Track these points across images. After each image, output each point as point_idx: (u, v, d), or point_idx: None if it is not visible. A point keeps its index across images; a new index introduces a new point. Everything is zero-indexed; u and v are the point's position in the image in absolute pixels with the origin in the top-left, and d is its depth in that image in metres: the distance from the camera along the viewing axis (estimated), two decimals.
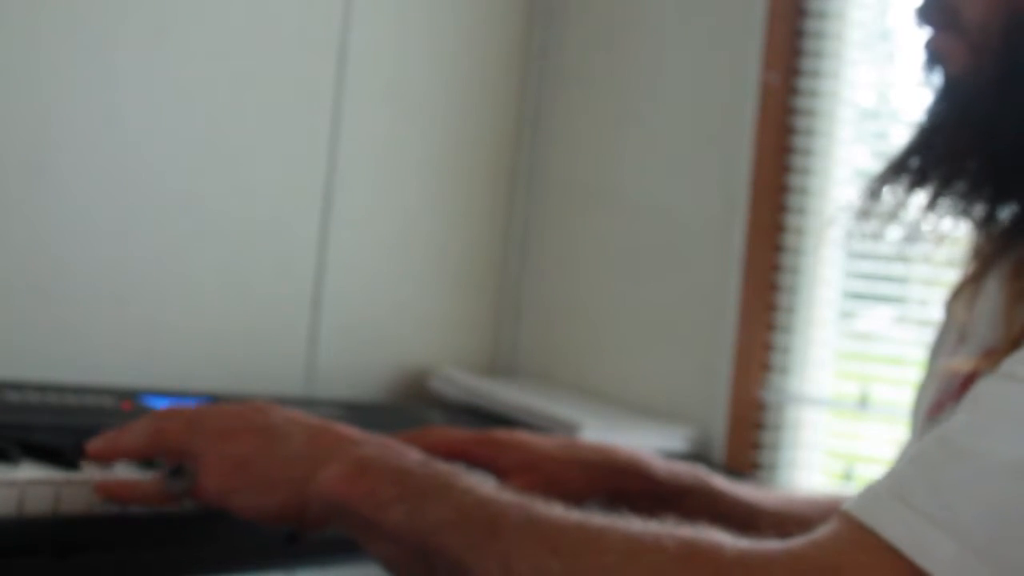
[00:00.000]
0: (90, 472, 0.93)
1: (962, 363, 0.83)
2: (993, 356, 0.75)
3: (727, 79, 1.84)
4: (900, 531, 0.67)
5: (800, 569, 0.69)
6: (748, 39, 1.81)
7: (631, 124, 1.91)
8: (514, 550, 0.75)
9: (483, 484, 0.81)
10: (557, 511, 0.77)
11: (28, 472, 0.90)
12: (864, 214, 0.88)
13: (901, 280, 1.76)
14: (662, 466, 1.10)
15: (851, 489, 1.73)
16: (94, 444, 0.93)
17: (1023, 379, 0.69)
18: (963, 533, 0.65)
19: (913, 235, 0.87)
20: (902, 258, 1.69)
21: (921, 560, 0.65)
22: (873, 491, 0.70)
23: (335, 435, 0.87)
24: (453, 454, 1.10)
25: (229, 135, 1.52)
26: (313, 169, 1.64)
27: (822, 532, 0.70)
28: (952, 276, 0.93)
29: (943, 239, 0.87)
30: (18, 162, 1.31)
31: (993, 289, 0.85)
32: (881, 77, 1.83)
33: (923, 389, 0.95)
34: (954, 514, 0.66)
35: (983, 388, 0.72)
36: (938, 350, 0.95)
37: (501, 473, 1.08)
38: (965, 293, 0.90)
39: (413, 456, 0.84)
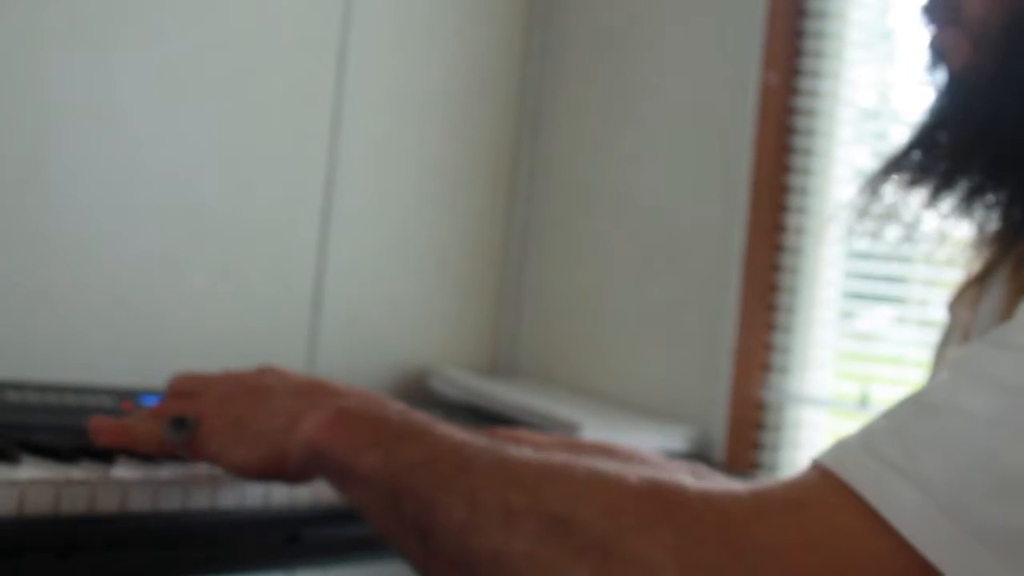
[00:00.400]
0: (90, 472, 0.93)
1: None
2: None
3: (727, 79, 1.84)
4: (863, 477, 0.67)
5: (762, 505, 0.69)
6: (748, 39, 1.81)
7: (631, 124, 1.91)
8: (480, 485, 0.76)
9: (458, 430, 0.82)
10: (527, 452, 0.78)
11: (28, 472, 0.90)
12: (863, 211, 0.88)
13: (901, 280, 1.76)
14: (661, 464, 1.10)
15: None
16: (101, 421, 0.95)
17: (1007, 345, 0.69)
18: (926, 484, 0.65)
19: (912, 233, 0.87)
20: (901, 257, 1.69)
21: (881, 506, 0.65)
22: (844, 441, 0.71)
23: (320, 388, 0.91)
24: None
25: (229, 135, 1.52)
26: (313, 169, 1.64)
27: (790, 477, 0.71)
28: (953, 276, 0.93)
29: (944, 238, 0.87)
30: (18, 162, 1.31)
31: (997, 289, 0.85)
32: (881, 77, 1.83)
33: None
34: (919, 465, 0.66)
35: (967, 352, 0.72)
36: (942, 351, 0.95)
37: None
38: (969, 294, 0.90)
39: (394, 407, 0.87)
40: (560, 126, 1.96)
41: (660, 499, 0.71)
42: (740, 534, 0.68)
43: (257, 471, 0.90)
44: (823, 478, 0.69)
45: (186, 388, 0.98)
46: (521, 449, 0.79)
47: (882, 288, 1.78)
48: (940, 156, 0.84)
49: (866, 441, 0.69)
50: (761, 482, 0.72)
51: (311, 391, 0.90)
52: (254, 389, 0.93)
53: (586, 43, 1.95)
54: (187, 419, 0.92)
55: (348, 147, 1.66)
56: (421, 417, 0.85)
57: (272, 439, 0.88)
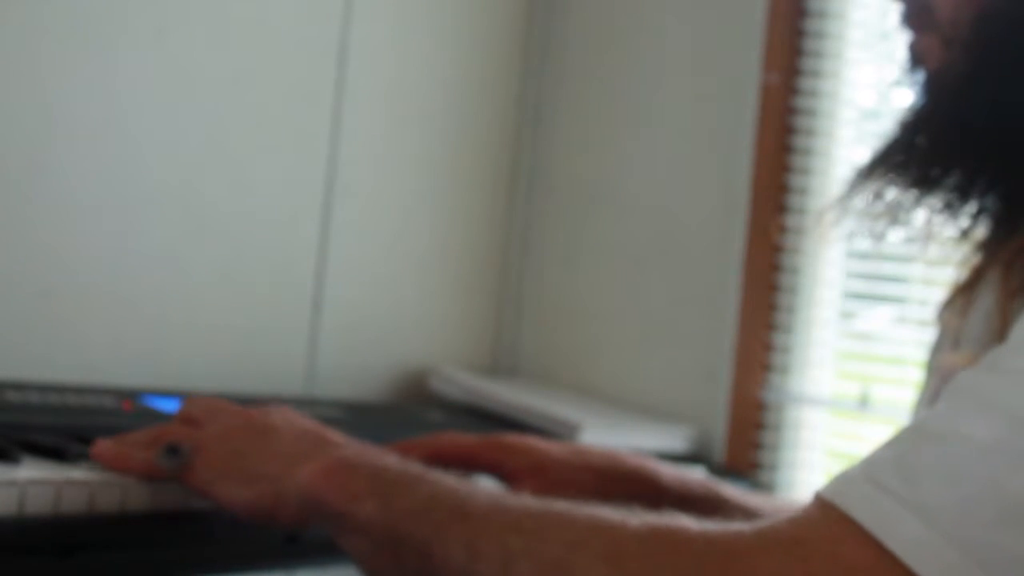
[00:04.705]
0: (90, 472, 0.93)
1: (956, 359, 0.83)
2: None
3: (727, 79, 1.84)
4: (866, 509, 0.67)
5: (764, 542, 0.69)
6: (748, 39, 1.81)
7: (631, 124, 1.91)
8: (479, 532, 0.76)
9: (454, 478, 0.82)
10: (525, 498, 0.78)
11: (28, 472, 0.90)
12: (848, 209, 0.89)
13: (901, 280, 1.76)
14: (670, 473, 1.10)
15: None
16: (101, 445, 0.95)
17: (1002, 369, 0.69)
18: (929, 513, 0.65)
19: (890, 230, 0.87)
20: (901, 257, 1.69)
21: (885, 538, 0.65)
22: (846, 473, 0.71)
23: (319, 437, 0.90)
24: (461, 458, 1.10)
25: (229, 135, 1.52)
26: (313, 169, 1.64)
27: (794, 512, 0.71)
28: (950, 276, 0.93)
29: (933, 238, 0.88)
30: (19, 162, 1.31)
31: (987, 294, 0.85)
32: (881, 77, 1.83)
33: (921, 395, 0.95)
34: (921, 495, 0.66)
35: (962, 378, 0.72)
36: (935, 359, 0.95)
37: (509, 477, 1.09)
38: (957, 301, 0.90)
39: (390, 456, 0.86)
40: (560, 126, 1.96)
41: (662, 541, 0.70)
42: (743, 572, 0.68)
43: (246, 510, 0.89)
44: (825, 511, 0.68)
45: (192, 415, 0.97)
46: (519, 495, 0.79)
47: (882, 288, 1.78)
48: (919, 158, 0.84)
49: (868, 472, 0.69)
50: (763, 521, 0.71)
51: (310, 439, 0.90)
52: (256, 427, 0.93)
53: (586, 43, 1.95)
54: (180, 448, 0.91)
55: (348, 147, 1.66)
56: (416, 465, 0.84)
57: (266, 482, 0.87)
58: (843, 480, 0.70)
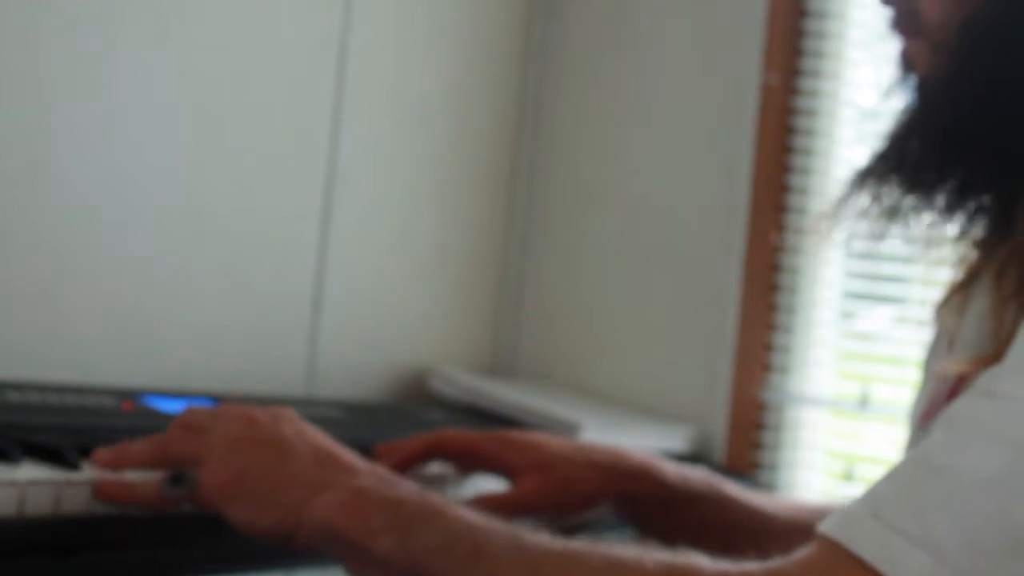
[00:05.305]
0: (90, 472, 0.93)
1: (951, 366, 0.83)
2: (983, 362, 0.75)
3: (727, 79, 1.84)
4: (874, 547, 0.67)
5: None
6: (748, 39, 1.81)
7: (631, 124, 1.91)
8: (497, 573, 0.76)
9: (473, 512, 0.82)
10: (543, 537, 0.78)
11: (28, 472, 0.90)
12: (842, 215, 0.89)
13: (901, 280, 1.76)
14: (673, 471, 1.10)
15: (853, 491, 1.72)
16: (102, 454, 0.94)
17: (998, 396, 0.69)
18: (938, 549, 0.65)
19: (887, 234, 0.87)
20: (901, 257, 1.69)
21: (894, 575, 0.65)
22: (849, 510, 0.70)
23: (336, 463, 0.88)
24: (466, 454, 1.10)
25: (229, 135, 1.52)
26: (313, 169, 1.64)
27: (800, 552, 0.71)
28: (948, 277, 0.93)
29: (931, 240, 0.88)
30: (18, 162, 1.31)
31: (982, 296, 0.85)
32: (881, 77, 1.83)
33: (918, 396, 0.95)
34: (929, 530, 0.66)
35: (959, 405, 0.71)
36: (931, 358, 0.95)
37: (512, 473, 1.08)
38: (954, 301, 0.90)
39: (408, 487, 0.86)
40: (560, 126, 1.96)
41: None
42: None
43: (263, 535, 0.87)
44: (833, 551, 0.68)
45: (192, 422, 0.94)
46: (536, 534, 0.78)
47: (882, 288, 1.78)
48: (912, 163, 0.84)
49: (872, 508, 0.69)
50: (773, 561, 0.71)
51: (328, 465, 0.88)
52: (266, 441, 0.90)
53: (586, 43, 1.95)
54: (185, 474, 0.89)
55: (348, 147, 1.66)
56: (435, 497, 0.84)
57: (284, 509, 0.86)
58: (847, 517, 0.70)
